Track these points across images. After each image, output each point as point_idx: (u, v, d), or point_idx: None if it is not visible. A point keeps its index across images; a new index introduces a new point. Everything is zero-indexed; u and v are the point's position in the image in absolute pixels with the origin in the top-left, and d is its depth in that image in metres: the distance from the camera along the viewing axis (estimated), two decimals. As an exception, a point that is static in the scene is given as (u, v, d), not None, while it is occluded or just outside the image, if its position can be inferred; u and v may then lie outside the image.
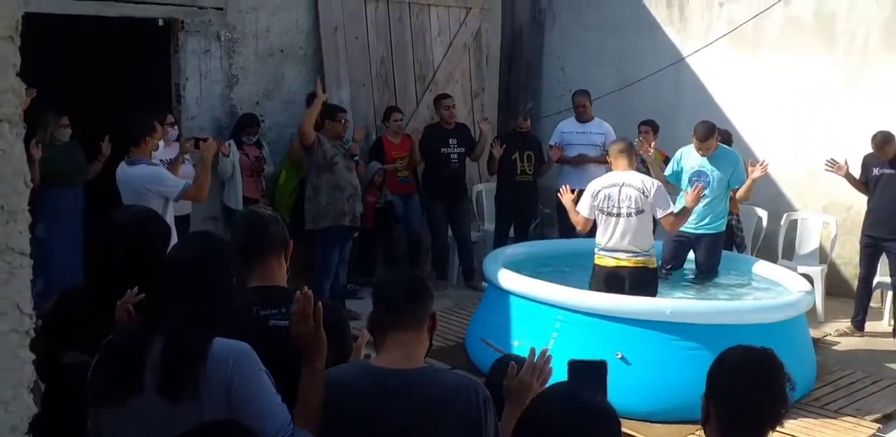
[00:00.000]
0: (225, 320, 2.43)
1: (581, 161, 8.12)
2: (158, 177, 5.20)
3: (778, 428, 2.13)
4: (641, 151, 6.80)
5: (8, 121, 0.80)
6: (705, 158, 6.51)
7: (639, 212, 5.62)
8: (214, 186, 7.11)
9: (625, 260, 5.69)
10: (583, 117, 8.33)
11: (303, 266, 6.60)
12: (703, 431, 2.18)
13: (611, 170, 5.99)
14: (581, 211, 5.80)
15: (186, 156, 6.41)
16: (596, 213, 5.73)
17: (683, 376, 5.21)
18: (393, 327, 2.51)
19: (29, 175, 0.83)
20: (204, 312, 2.38)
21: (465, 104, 9.07)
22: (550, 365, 2.62)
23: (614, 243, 5.68)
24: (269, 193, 7.64)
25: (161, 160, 6.35)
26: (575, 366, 2.44)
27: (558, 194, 6.04)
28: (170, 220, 5.16)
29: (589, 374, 2.39)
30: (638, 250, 5.68)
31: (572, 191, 6.00)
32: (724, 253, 6.84)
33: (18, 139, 0.81)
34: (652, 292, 5.78)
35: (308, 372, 2.43)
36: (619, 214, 5.64)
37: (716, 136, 6.50)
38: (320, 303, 2.51)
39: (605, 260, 5.76)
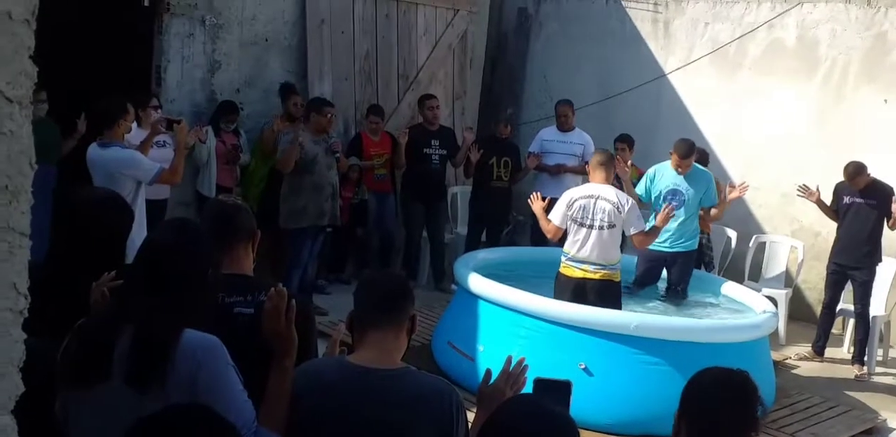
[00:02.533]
0: (198, 310, 2.39)
1: (559, 170, 8.14)
2: (133, 160, 5.12)
3: None
4: (617, 169, 6.81)
5: (19, 103, 0.78)
6: (681, 177, 6.54)
7: (611, 226, 5.65)
8: (188, 172, 7.03)
9: (591, 272, 5.71)
10: (564, 126, 8.34)
11: (270, 257, 6.54)
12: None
13: (588, 181, 6.00)
14: (553, 219, 5.80)
15: (167, 138, 6.34)
16: (568, 223, 5.74)
17: (645, 390, 5.26)
18: (373, 326, 2.50)
19: (34, 157, 0.80)
20: (177, 301, 2.34)
21: (446, 106, 9.05)
22: (525, 375, 2.63)
23: (583, 255, 5.70)
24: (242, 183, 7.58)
25: (139, 142, 6.30)
26: (540, 383, 2.46)
27: (529, 201, 6.04)
28: (141, 203, 5.10)
29: (553, 392, 2.40)
30: (605, 264, 5.71)
31: (544, 199, 5.99)
32: (693, 272, 6.88)
33: (27, 121, 0.78)
34: (616, 306, 5.80)
35: (277, 370, 2.42)
36: (591, 226, 5.66)
37: (694, 154, 6.53)
38: (294, 301, 2.48)
39: (571, 270, 5.77)
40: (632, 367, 5.40)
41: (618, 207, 5.63)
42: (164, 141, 6.48)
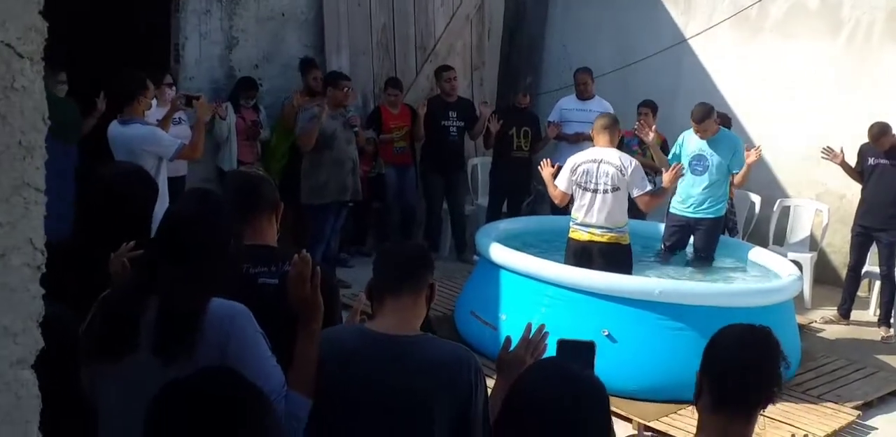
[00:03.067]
0: (222, 280, 2.41)
1: (578, 139, 8.09)
2: (153, 136, 5.14)
3: (762, 411, 2.14)
4: (641, 134, 6.79)
5: (30, 58, 0.79)
6: (705, 142, 6.49)
7: (615, 189, 5.64)
8: (209, 149, 7.08)
9: (598, 235, 5.72)
10: (583, 95, 8.30)
11: (292, 232, 6.59)
12: (694, 407, 2.18)
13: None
14: (559, 185, 5.82)
15: (182, 115, 6.37)
16: (574, 187, 5.73)
17: (670, 355, 5.26)
18: (391, 293, 2.51)
19: (47, 113, 0.82)
20: (201, 271, 2.36)
21: (464, 77, 9.01)
22: (546, 341, 2.64)
23: (589, 219, 5.71)
24: (264, 158, 7.60)
25: (158, 120, 6.33)
26: (564, 345, 2.45)
27: (539, 168, 6.02)
28: (163, 179, 5.12)
29: (577, 353, 2.39)
30: (612, 227, 5.71)
31: (554, 166, 5.97)
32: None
33: (38, 76, 0.80)
34: (624, 269, 5.79)
35: (304, 335, 2.42)
36: (595, 190, 5.66)
37: (713, 118, 6.48)
38: (318, 267, 2.50)
39: (578, 234, 5.80)
40: (656, 333, 5.40)
41: (621, 170, 5.61)
42: (179, 118, 6.52)
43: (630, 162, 5.70)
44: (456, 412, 2.42)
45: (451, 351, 2.52)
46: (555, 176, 5.90)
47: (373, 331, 2.48)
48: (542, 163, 6.05)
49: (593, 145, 5.99)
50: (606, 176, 5.63)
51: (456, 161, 8.33)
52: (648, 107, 7.87)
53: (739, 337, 2.14)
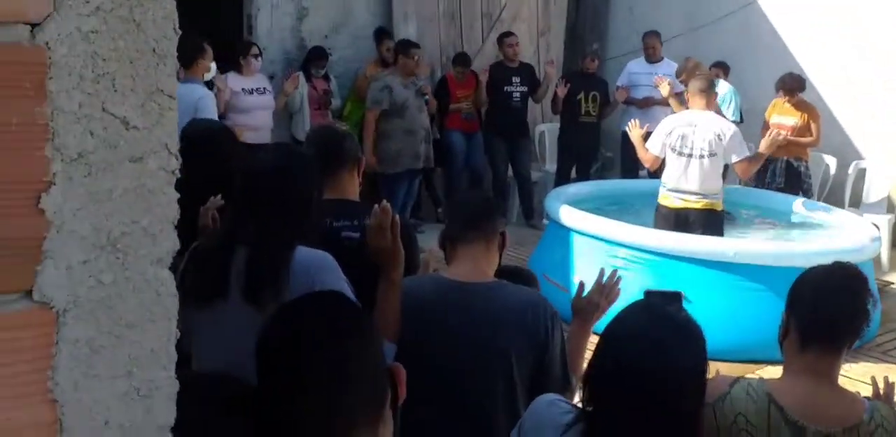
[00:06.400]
0: (306, 230, 2.48)
1: (647, 103, 8.01)
2: (202, 102, 5.13)
3: (841, 372, 2.11)
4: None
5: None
6: None
7: (711, 155, 5.46)
8: (283, 118, 7.21)
9: (693, 202, 5.59)
10: (652, 58, 8.20)
11: (367, 199, 6.66)
12: (780, 347, 2.16)
13: (675, 112, 5.90)
14: (651, 148, 5.66)
15: (267, 85, 6.61)
16: (667, 151, 5.62)
17: (745, 316, 5.22)
18: (463, 241, 2.55)
19: (177, 22, 0.87)
20: (286, 221, 2.43)
21: (531, 43, 8.96)
22: (619, 287, 2.65)
23: (683, 185, 5.55)
24: (335, 127, 7.70)
25: (243, 89, 6.51)
26: (651, 296, 2.45)
27: (626, 129, 5.94)
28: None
29: (665, 304, 2.40)
30: (706, 193, 5.56)
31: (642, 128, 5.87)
32: (792, 198, 6.74)
33: (170, -15, 0.85)
34: (719, 234, 5.70)
35: (385, 283, 2.46)
36: (691, 155, 5.49)
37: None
38: (397, 216, 2.55)
39: (670, 200, 5.66)
40: (732, 294, 5.36)
41: (719, 135, 5.43)
42: (263, 88, 6.69)
43: (729, 127, 5.54)
44: (534, 356, 2.45)
45: (525, 296, 2.54)
46: (645, 139, 5.79)
47: (448, 279, 2.52)
48: (630, 124, 5.96)
49: (664, 110, 5.90)
50: (704, 141, 5.44)
51: (520, 127, 8.27)
52: (720, 68, 7.78)
53: (828, 273, 2.12)
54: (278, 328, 1.31)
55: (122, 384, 0.91)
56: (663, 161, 5.67)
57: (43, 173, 0.83)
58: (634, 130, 5.80)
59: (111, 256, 0.88)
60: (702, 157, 5.47)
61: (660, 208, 5.76)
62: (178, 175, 0.90)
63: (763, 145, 5.68)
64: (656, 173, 5.92)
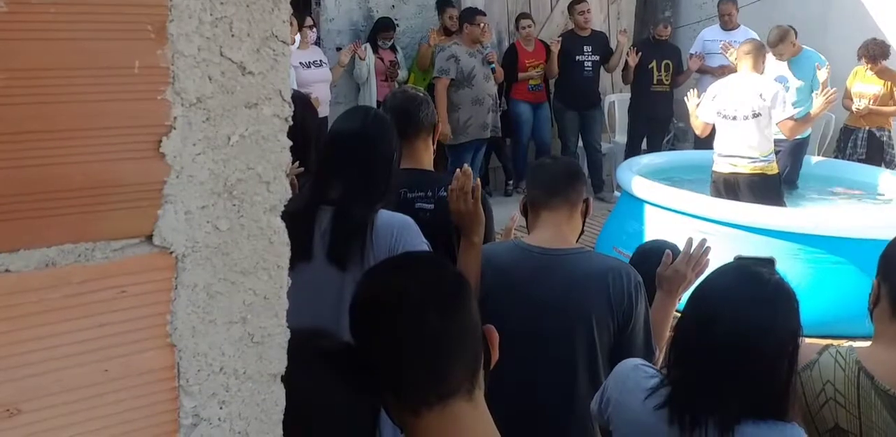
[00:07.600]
0: (387, 193, 2.49)
1: (723, 72, 7.79)
2: None
3: None
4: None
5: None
6: (784, 64, 6.30)
7: (755, 115, 5.34)
8: (350, 90, 7.23)
9: (742, 166, 5.47)
10: (728, 25, 7.98)
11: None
12: (869, 317, 2.09)
13: None
14: (700, 115, 5.58)
15: (323, 58, 6.61)
16: (716, 117, 5.51)
17: (825, 289, 5.09)
18: (546, 207, 2.50)
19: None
20: (369, 183, 2.44)
21: (601, 11, 8.80)
22: (707, 256, 2.59)
23: (730, 149, 5.46)
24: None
25: (301, 63, 6.52)
26: (742, 260, 2.39)
27: (685, 99, 5.83)
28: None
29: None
30: (756, 156, 5.43)
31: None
32: (873, 168, 6.55)
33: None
34: (775, 201, 5.55)
35: (466, 246, 2.47)
36: (735, 117, 5.38)
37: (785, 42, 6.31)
38: (478, 179, 2.53)
39: (721, 166, 5.57)
40: (812, 267, 5.23)
41: (761, 94, 5.32)
42: (320, 60, 6.69)
43: (771, 86, 5.43)
44: (617, 322, 2.41)
45: (609, 263, 2.50)
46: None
47: (529, 245, 2.49)
48: (687, 94, 5.87)
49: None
50: (746, 103, 5.35)
51: (591, 97, 8.14)
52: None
53: None
54: (379, 289, 1.30)
55: (236, 331, 0.91)
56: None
57: (164, 118, 0.82)
58: (692, 100, 5.70)
59: (227, 202, 0.88)
60: (746, 118, 5.36)
61: (713, 175, 5.69)
62: (291, 122, 0.89)
63: (816, 108, 5.53)
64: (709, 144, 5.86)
